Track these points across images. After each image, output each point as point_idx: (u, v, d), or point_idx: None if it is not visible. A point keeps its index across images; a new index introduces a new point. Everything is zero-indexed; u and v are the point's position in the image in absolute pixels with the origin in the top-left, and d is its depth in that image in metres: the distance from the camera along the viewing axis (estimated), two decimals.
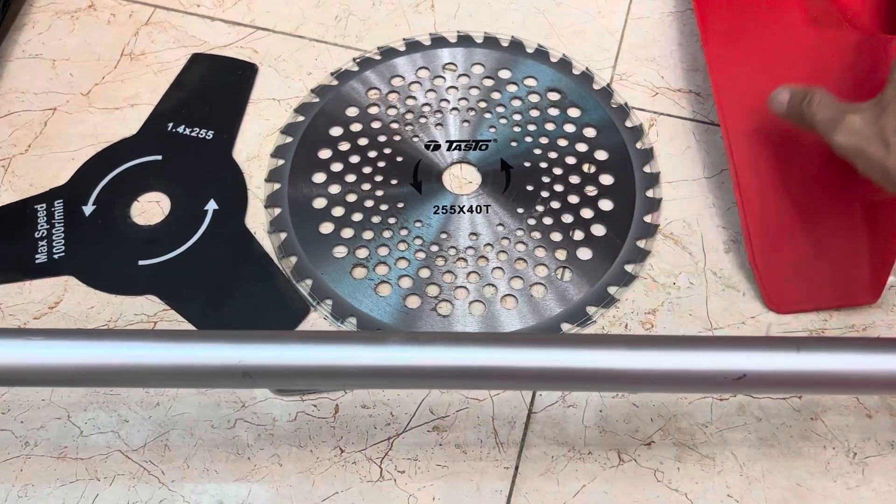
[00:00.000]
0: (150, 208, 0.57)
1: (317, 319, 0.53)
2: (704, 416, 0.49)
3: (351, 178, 0.58)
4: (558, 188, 0.57)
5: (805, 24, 0.54)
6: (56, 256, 0.55)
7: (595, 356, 0.38)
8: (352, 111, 0.61)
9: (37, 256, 0.55)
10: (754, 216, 0.52)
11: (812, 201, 0.52)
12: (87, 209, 0.57)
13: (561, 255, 0.55)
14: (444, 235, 0.55)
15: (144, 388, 0.49)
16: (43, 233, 0.56)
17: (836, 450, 0.48)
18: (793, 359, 0.38)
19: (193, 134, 0.60)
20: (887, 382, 0.37)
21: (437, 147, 0.59)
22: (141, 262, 0.54)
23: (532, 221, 0.56)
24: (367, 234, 0.55)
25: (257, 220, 0.57)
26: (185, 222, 0.56)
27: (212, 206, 0.57)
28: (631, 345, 0.38)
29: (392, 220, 0.56)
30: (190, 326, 0.52)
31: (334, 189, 0.57)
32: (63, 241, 0.55)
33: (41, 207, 0.57)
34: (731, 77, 0.55)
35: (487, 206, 0.57)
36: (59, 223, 0.56)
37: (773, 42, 0.55)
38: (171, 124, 0.60)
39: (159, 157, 0.59)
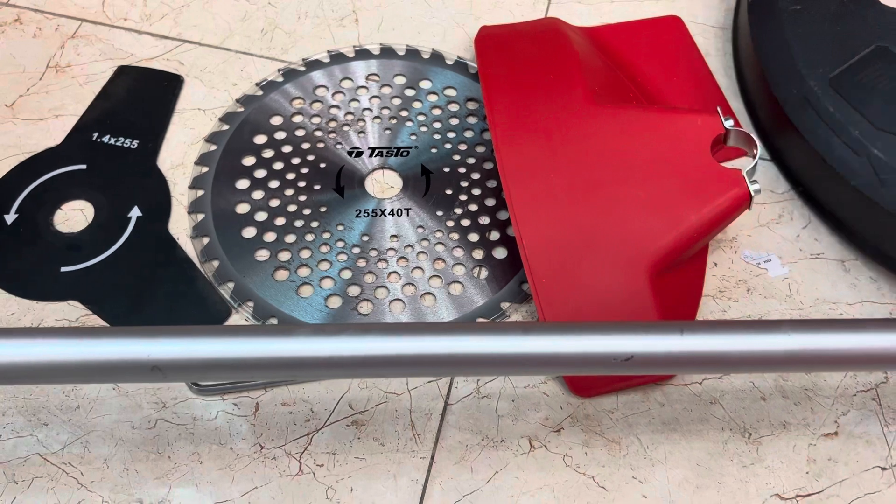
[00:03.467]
0: (74, 216, 0.58)
1: (238, 321, 0.54)
2: (611, 403, 0.51)
3: (274, 184, 0.59)
4: (476, 192, 0.60)
5: (587, 101, 0.54)
6: None
7: (494, 342, 0.40)
8: (276, 120, 0.63)
9: None
10: (548, 305, 0.50)
11: (605, 285, 0.50)
12: (10, 218, 0.57)
13: (478, 254, 0.57)
14: (365, 238, 0.57)
15: (56, 384, 0.49)
16: None
17: (733, 431, 0.51)
18: (676, 341, 0.40)
19: (118, 143, 0.61)
20: (760, 360, 0.40)
21: (360, 154, 0.61)
22: (63, 269, 0.55)
23: (451, 223, 0.58)
24: (290, 238, 0.57)
25: (181, 225, 0.58)
26: (108, 229, 0.57)
27: (135, 212, 0.58)
28: (528, 331, 0.41)
29: (314, 224, 0.57)
30: None
31: (258, 195, 0.59)
32: None
33: None
34: (520, 161, 0.53)
35: (408, 209, 0.59)
36: None
37: (556, 120, 0.54)
38: (95, 134, 0.61)
39: (84, 167, 0.60)
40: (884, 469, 0.49)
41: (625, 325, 0.41)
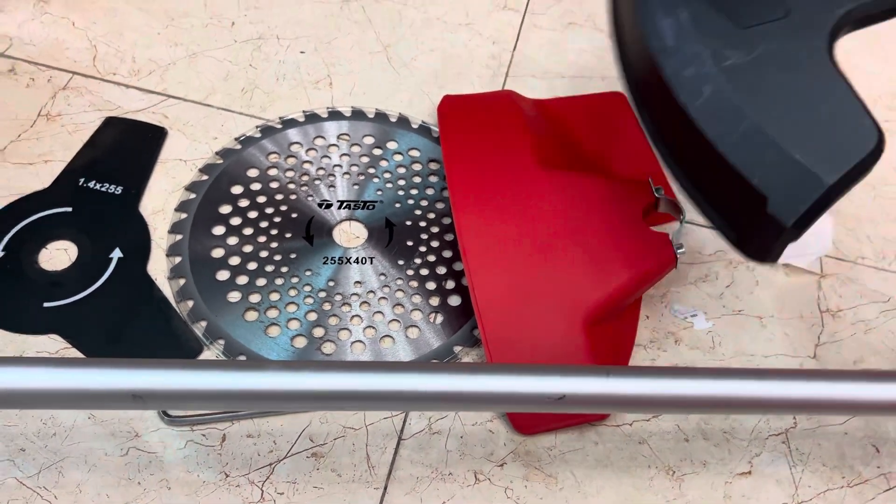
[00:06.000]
0: (58, 255, 0.62)
1: (210, 358, 0.58)
2: (550, 440, 0.56)
3: (248, 231, 0.64)
4: (435, 244, 0.65)
5: (535, 166, 0.60)
6: None
7: (444, 380, 0.45)
8: (252, 172, 0.68)
9: None
10: (496, 349, 0.55)
11: (546, 332, 0.55)
12: None
13: (434, 301, 0.62)
14: (331, 283, 0.62)
15: (45, 409, 0.52)
16: None
17: (658, 469, 0.56)
18: (603, 383, 0.46)
19: (103, 189, 0.65)
20: (679, 402, 0.46)
21: (329, 206, 0.67)
22: (46, 304, 0.59)
23: (410, 272, 0.63)
24: (261, 281, 0.62)
25: (159, 267, 0.62)
26: (90, 268, 0.61)
27: (117, 254, 0.62)
28: (473, 371, 0.46)
29: (284, 269, 0.62)
30: None
31: (232, 241, 0.64)
32: None
33: None
34: (474, 219, 0.58)
35: (372, 257, 0.64)
36: None
37: (507, 182, 0.60)
38: (82, 179, 0.66)
39: (69, 209, 0.64)
40: None
41: (558, 367, 0.46)
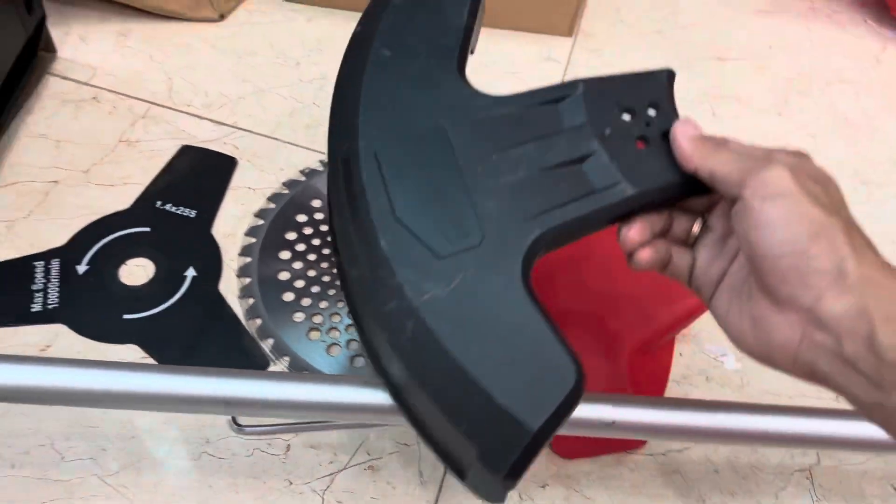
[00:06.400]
0: (137, 271, 0.67)
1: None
2: (588, 466, 0.60)
3: (312, 256, 0.69)
4: None
5: None
6: (50, 307, 0.63)
7: None
8: (316, 203, 0.73)
9: (32, 305, 0.63)
10: None
11: (592, 364, 0.58)
12: (81, 268, 0.66)
13: None
14: None
15: (147, 410, 0.56)
16: (40, 286, 0.64)
17: (690, 497, 0.60)
18: (650, 413, 0.50)
19: (179, 212, 0.71)
20: (715, 433, 0.50)
21: None
22: (126, 316, 0.64)
23: None
24: (323, 304, 0.66)
25: (230, 287, 0.67)
26: (166, 285, 0.66)
27: (191, 272, 0.67)
28: None
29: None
30: None
31: (297, 265, 0.68)
32: (57, 294, 0.64)
33: (39, 264, 0.66)
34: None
35: None
36: (54, 279, 0.65)
37: None
38: (159, 202, 0.71)
39: (148, 229, 0.69)
40: None
41: (610, 395, 0.50)
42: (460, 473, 0.41)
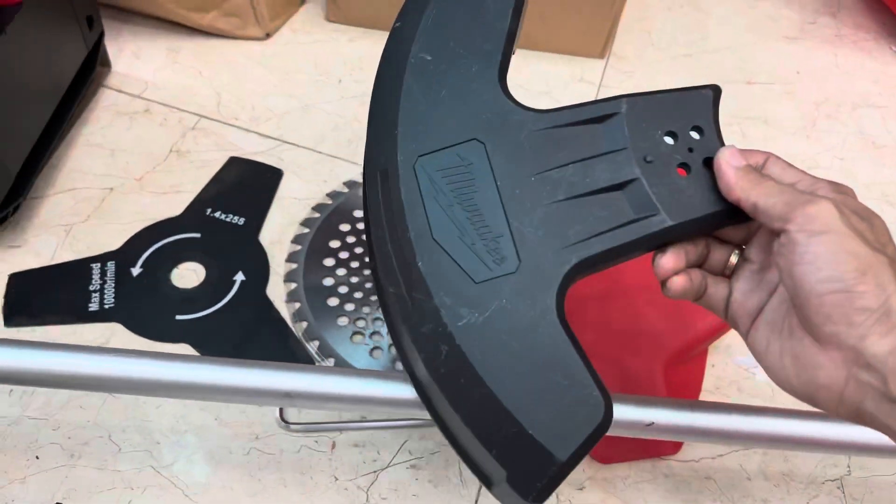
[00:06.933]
0: (188, 275, 0.70)
1: None
2: (624, 470, 0.62)
3: (355, 264, 0.72)
4: None
5: None
6: (106, 307, 0.66)
7: None
8: (357, 213, 0.76)
9: (90, 305, 0.66)
10: None
11: (628, 371, 0.60)
12: (135, 270, 0.69)
13: None
14: None
15: (211, 401, 0.58)
16: (96, 287, 0.67)
17: (723, 503, 0.61)
18: (688, 415, 0.52)
19: (228, 219, 0.74)
20: (750, 437, 0.52)
21: None
22: (178, 317, 0.66)
23: None
24: (366, 309, 0.69)
25: (276, 291, 0.69)
26: (216, 288, 0.69)
27: (240, 277, 0.70)
28: None
29: None
30: None
31: (341, 272, 0.71)
32: (113, 295, 0.67)
33: (96, 266, 0.69)
34: None
35: None
36: (110, 280, 0.68)
37: None
38: (209, 210, 0.74)
39: (198, 235, 0.72)
40: None
41: (649, 398, 0.52)
42: (488, 485, 0.42)
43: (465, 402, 0.40)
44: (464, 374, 0.39)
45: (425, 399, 0.44)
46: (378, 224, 0.43)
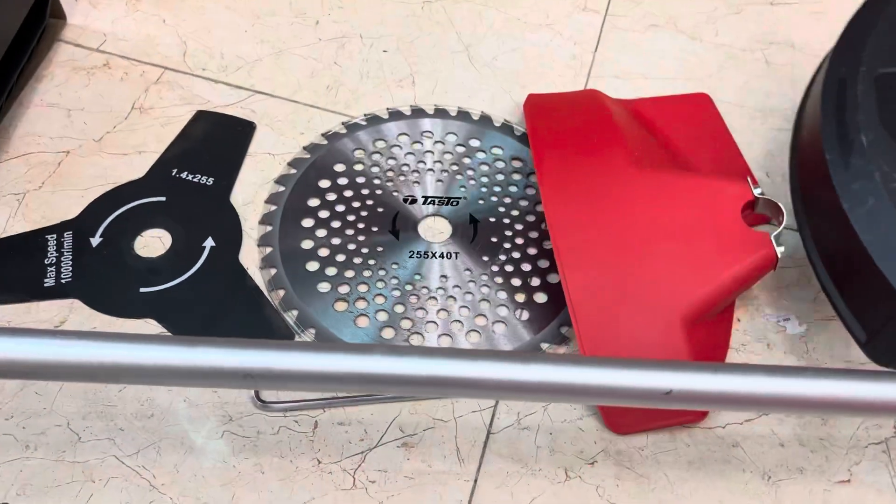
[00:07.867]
0: (153, 243, 0.63)
1: None
2: (641, 441, 0.56)
3: (336, 224, 0.65)
4: (519, 241, 0.65)
5: (628, 164, 0.60)
6: (63, 281, 0.60)
7: (551, 370, 0.45)
8: (339, 167, 0.69)
9: (45, 280, 0.60)
10: (589, 344, 0.54)
11: (643, 331, 0.55)
12: (95, 241, 0.62)
13: (520, 297, 0.62)
14: (417, 277, 0.62)
15: (163, 385, 0.53)
16: (52, 260, 0.61)
17: (753, 473, 0.55)
18: (711, 379, 0.45)
19: (195, 180, 0.67)
20: (783, 401, 0.45)
21: (414, 201, 0.67)
22: (142, 290, 0.60)
23: (495, 268, 0.63)
24: (349, 273, 0.62)
25: (250, 257, 0.63)
26: (184, 256, 0.62)
27: (209, 243, 0.63)
28: (582, 363, 0.45)
29: (371, 262, 0.63)
30: None
31: (321, 233, 0.64)
32: (71, 268, 0.61)
33: (52, 237, 0.62)
34: (566, 214, 0.58)
35: (457, 253, 0.64)
36: (67, 252, 0.62)
37: (599, 179, 0.59)
38: (175, 170, 0.67)
39: (163, 199, 0.65)
40: None
41: (666, 363, 0.45)
42: (868, 337, 0.50)
43: (881, 246, 0.47)
44: (885, 222, 0.47)
45: (819, 251, 0.53)
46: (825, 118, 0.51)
